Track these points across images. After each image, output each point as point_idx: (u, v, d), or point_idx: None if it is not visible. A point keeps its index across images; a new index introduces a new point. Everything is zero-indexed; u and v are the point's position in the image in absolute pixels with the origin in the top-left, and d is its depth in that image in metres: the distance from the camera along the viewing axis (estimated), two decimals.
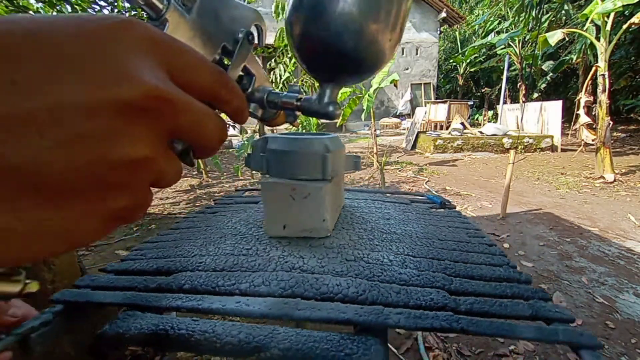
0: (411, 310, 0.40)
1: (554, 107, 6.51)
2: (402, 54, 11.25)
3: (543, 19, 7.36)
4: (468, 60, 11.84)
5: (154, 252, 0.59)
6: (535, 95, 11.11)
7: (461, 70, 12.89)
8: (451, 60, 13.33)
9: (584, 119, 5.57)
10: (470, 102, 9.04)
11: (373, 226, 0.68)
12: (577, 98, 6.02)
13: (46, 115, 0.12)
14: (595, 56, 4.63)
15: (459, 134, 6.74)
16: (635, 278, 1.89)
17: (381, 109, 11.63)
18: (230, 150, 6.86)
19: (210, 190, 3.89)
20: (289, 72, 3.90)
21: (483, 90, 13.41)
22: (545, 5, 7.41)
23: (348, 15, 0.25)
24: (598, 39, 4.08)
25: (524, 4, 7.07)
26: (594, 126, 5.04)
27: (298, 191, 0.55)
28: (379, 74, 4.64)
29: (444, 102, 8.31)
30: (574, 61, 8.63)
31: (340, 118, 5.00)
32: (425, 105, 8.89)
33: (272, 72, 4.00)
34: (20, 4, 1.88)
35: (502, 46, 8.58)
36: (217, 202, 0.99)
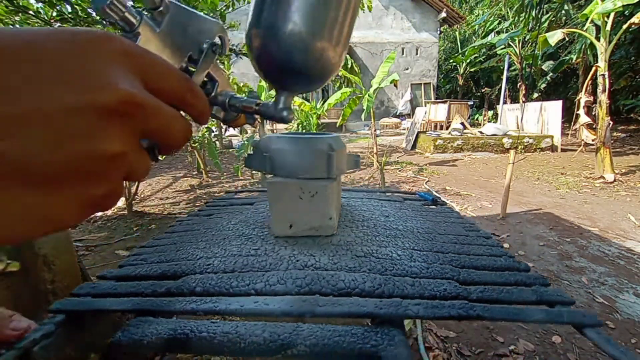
0: (427, 300, 0.41)
1: (554, 107, 6.51)
2: (402, 54, 11.24)
3: (543, 19, 7.36)
4: (468, 60, 11.85)
5: (154, 257, 0.59)
6: (535, 95, 11.10)
7: (461, 70, 12.89)
8: (451, 60, 13.32)
9: (584, 119, 5.57)
10: (470, 102, 9.04)
11: (375, 223, 0.69)
12: (577, 98, 6.02)
13: (39, 114, 0.14)
14: (595, 56, 4.64)
15: (459, 134, 6.74)
16: (635, 278, 1.89)
17: (381, 109, 11.63)
18: (230, 150, 6.86)
19: (210, 190, 3.89)
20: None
21: (483, 90, 13.41)
22: (545, 5, 7.41)
23: (297, 35, 0.28)
24: (598, 39, 4.08)
25: (524, 4, 7.06)
26: (594, 126, 5.04)
27: (305, 190, 0.56)
28: (379, 74, 4.65)
29: (444, 102, 8.31)
30: (574, 61, 8.63)
31: (341, 118, 5.01)
32: (425, 105, 8.89)
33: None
34: (20, 3, 1.87)
35: (502, 46, 8.59)
36: (210, 205, 0.98)
